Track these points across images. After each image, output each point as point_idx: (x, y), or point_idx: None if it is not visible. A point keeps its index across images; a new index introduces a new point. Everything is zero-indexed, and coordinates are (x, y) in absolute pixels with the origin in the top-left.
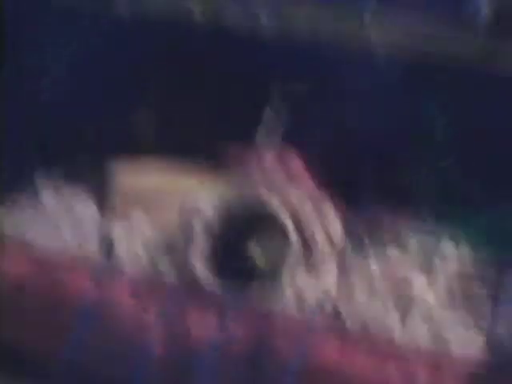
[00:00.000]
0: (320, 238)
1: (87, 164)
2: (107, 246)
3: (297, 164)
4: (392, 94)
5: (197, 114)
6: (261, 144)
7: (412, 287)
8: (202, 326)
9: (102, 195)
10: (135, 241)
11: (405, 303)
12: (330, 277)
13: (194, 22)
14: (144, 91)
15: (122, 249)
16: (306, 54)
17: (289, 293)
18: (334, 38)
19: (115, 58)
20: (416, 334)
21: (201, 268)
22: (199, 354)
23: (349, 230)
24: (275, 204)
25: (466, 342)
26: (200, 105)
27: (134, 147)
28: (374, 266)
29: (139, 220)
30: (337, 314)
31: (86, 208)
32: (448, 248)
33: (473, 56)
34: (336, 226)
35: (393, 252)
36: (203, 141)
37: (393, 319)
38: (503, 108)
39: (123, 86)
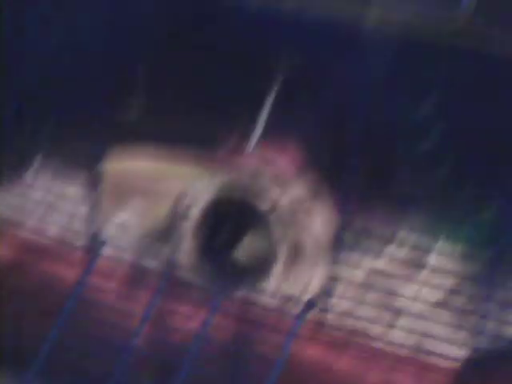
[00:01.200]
0: (309, 240)
1: (82, 151)
2: (97, 234)
3: (291, 160)
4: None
5: (194, 103)
6: (255, 137)
7: (399, 298)
8: (185, 318)
9: (95, 182)
10: (126, 229)
11: (391, 313)
12: (316, 281)
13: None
14: (140, 78)
15: (112, 237)
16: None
17: (274, 294)
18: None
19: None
20: (400, 343)
21: (188, 261)
22: (182, 346)
23: (340, 233)
24: (267, 200)
25: (449, 354)
26: (198, 94)
27: (130, 135)
28: (362, 275)
29: (131, 208)
30: (321, 318)
31: (78, 194)
32: (442, 247)
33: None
34: (328, 228)
35: (387, 251)
36: (200, 130)
37: (378, 328)
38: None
39: (121, 70)
